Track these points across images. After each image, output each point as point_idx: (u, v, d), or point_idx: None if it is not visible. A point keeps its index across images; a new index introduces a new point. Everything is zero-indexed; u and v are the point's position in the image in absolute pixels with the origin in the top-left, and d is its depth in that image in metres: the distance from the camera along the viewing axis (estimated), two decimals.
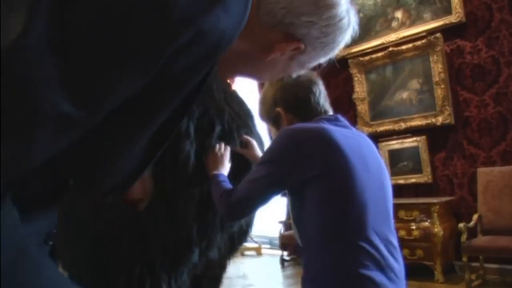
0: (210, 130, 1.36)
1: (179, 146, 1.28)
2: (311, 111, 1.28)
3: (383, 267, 1.09)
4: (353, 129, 1.30)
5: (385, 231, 1.16)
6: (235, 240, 1.54)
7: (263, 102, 1.34)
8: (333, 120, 1.25)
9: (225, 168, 1.36)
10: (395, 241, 1.19)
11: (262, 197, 1.22)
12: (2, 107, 0.40)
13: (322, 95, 1.31)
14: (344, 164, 1.12)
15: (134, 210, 1.24)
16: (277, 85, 1.29)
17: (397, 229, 3.94)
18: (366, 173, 1.15)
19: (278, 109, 1.28)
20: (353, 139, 1.22)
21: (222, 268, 1.70)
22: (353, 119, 5.06)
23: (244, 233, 1.57)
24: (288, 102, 1.27)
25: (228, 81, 1.50)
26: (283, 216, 5.47)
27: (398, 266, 1.15)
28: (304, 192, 1.15)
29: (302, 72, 1.18)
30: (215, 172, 1.31)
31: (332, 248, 1.12)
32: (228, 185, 1.30)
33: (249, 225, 1.58)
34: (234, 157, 1.42)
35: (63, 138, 0.47)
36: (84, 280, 1.35)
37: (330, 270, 1.12)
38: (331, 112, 1.34)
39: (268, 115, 1.33)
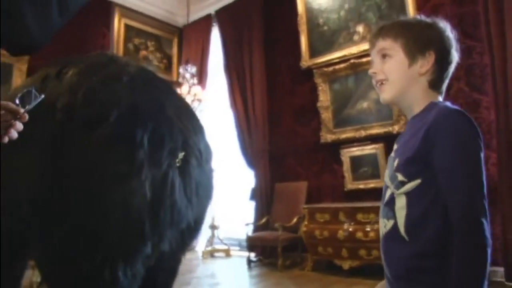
0: (161, 144, 1.55)
1: (134, 155, 1.48)
2: (444, 81, 1.08)
3: None
4: None
5: None
6: (185, 235, 1.75)
7: (409, 28, 1.07)
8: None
9: None
10: None
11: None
12: None
13: None
14: None
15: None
16: (426, 23, 1.06)
17: (355, 231, 4.22)
18: None
19: (431, 51, 1.04)
20: None
21: (176, 261, 1.92)
22: (317, 126, 5.35)
23: (192, 230, 1.78)
24: (444, 53, 1.04)
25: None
26: (250, 219, 5.71)
27: None
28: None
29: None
30: None
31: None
32: None
33: (198, 222, 1.79)
34: None
35: None
36: (55, 271, 1.55)
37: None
38: None
39: (406, 46, 1.06)
